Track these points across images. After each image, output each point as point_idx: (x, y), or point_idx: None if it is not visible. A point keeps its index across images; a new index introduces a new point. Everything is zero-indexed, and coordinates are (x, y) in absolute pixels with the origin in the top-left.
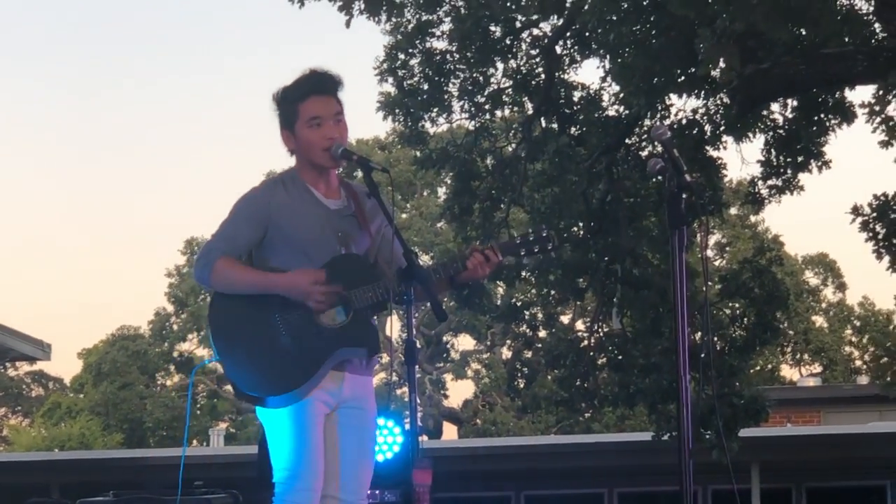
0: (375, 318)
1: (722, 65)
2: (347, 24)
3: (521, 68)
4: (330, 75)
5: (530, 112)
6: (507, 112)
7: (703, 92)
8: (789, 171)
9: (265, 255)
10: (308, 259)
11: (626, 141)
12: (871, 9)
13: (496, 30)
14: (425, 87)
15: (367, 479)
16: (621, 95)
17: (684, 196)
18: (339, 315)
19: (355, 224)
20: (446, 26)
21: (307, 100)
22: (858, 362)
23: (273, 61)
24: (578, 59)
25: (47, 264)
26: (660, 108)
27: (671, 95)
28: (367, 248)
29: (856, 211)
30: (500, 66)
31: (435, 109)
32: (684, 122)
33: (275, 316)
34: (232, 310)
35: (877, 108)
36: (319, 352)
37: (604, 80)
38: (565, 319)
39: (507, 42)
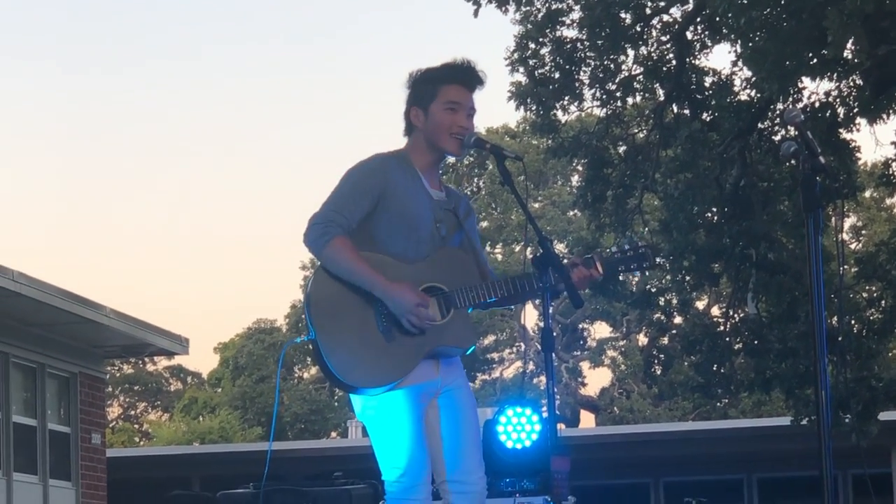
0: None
1: (850, 45)
2: (475, 14)
3: (652, 55)
4: (478, 72)
5: (662, 98)
6: (638, 99)
7: (835, 74)
8: None
9: (370, 226)
10: (409, 241)
11: (759, 125)
12: None
13: (626, 17)
14: (556, 75)
15: (481, 457)
16: (753, 80)
17: (818, 179)
18: (439, 311)
19: (453, 219)
20: (576, 14)
21: (450, 85)
22: None
23: (409, 50)
24: (709, 44)
25: (184, 259)
26: (792, 91)
27: (803, 79)
28: (461, 244)
29: None
30: (630, 52)
31: (566, 97)
32: (817, 105)
33: (378, 303)
34: (337, 291)
35: None
36: (416, 347)
37: (735, 64)
38: (700, 305)
39: (638, 29)
